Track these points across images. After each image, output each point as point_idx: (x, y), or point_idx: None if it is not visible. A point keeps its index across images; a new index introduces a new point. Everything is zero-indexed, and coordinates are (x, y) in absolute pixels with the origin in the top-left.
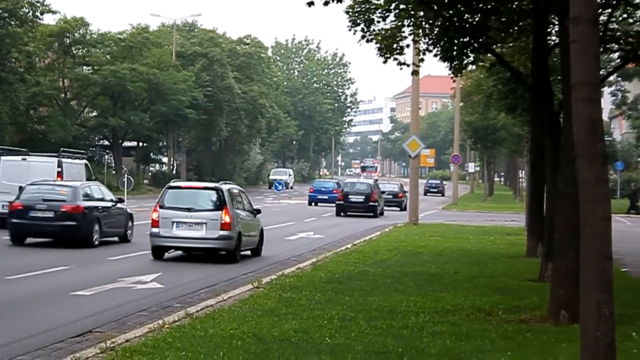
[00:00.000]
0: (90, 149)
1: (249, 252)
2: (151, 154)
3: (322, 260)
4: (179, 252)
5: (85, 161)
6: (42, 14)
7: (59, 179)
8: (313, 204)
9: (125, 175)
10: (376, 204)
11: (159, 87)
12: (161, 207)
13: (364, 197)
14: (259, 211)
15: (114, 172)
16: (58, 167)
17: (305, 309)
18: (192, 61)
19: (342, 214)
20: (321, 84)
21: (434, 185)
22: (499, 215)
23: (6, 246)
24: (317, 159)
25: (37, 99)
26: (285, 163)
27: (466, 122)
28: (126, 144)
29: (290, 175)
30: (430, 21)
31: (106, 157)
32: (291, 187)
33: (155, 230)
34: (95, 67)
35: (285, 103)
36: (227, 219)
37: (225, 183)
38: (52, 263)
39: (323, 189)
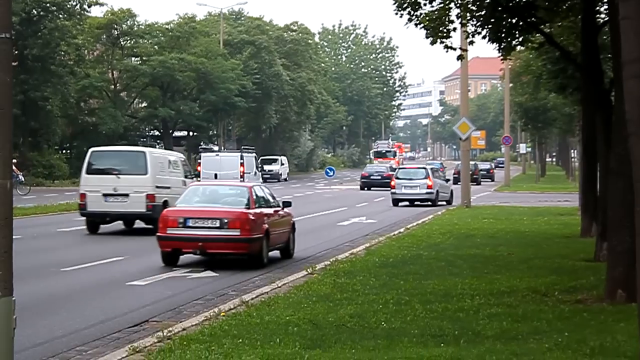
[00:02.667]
0: (141, 139)
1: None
2: (202, 143)
3: (375, 245)
4: None
5: (254, 154)
6: (89, 7)
7: (242, 170)
8: (365, 188)
9: None
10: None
11: (208, 76)
12: None
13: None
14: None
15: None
16: (240, 159)
17: (360, 294)
18: (240, 49)
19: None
20: (369, 69)
21: (483, 169)
22: (552, 196)
23: (61, 236)
24: (367, 144)
25: (87, 91)
26: (335, 149)
27: (516, 102)
28: (176, 133)
29: (283, 164)
30: (478, 2)
31: (157, 147)
32: (285, 179)
33: None
34: (144, 58)
35: (333, 89)
36: None
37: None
38: (107, 254)
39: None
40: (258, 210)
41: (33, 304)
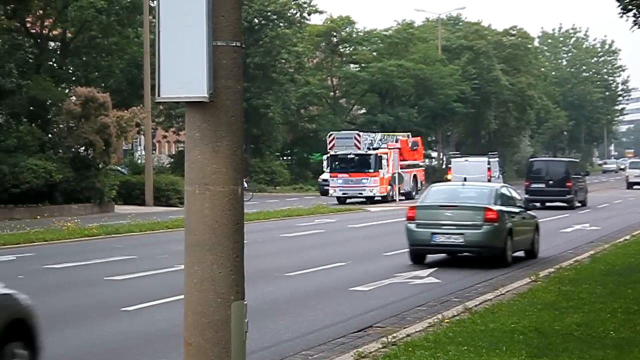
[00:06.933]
0: None
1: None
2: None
3: (600, 252)
4: None
5: (497, 158)
6: (309, 15)
7: (489, 174)
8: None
9: (397, 171)
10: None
11: (426, 82)
12: None
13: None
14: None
15: None
16: (487, 164)
17: (587, 302)
18: (458, 55)
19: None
20: (590, 73)
21: None
22: None
23: (284, 242)
24: (589, 149)
25: (307, 99)
26: (556, 154)
27: None
28: None
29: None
30: None
31: None
32: None
33: None
34: (363, 65)
35: (554, 93)
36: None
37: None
38: (330, 259)
39: None
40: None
41: (259, 307)
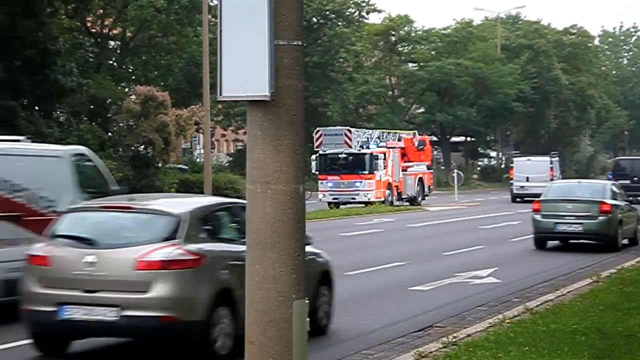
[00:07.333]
0: None
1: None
2: (479, 149)
3: None
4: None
5: (558, 158)
6: (367, 14)
7: (551, 173)
8: None
9: (455, 170)
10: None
11: (485, 81)
12: None
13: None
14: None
15: (442, 167)
16: (550, 164)
17: None
18: (517, 54)
19: None
20: None
21: None
22: None
23: (344, 241)
24: None
25: (365, 97)
26: (616, 154)
27: None
28: (454, 139)
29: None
30: None
31: (435, 152)
32: None
33: None
34: (421, 64)
35: (614, 93)
36: None
37: None
38: (389, 259)
39: None
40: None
41: None
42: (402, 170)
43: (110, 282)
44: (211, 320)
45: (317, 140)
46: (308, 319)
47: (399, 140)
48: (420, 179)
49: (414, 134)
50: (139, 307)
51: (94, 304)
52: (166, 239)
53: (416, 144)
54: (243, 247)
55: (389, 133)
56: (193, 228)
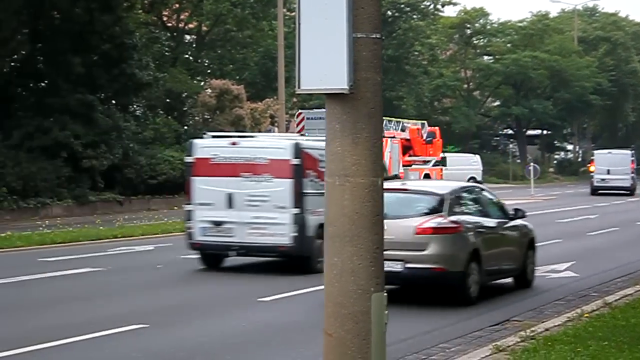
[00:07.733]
0: (494, 138)
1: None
2: (555, 142)
3: None
4: None
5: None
6: (442, 6)
7: (632, 166)
8: None
9: (531, 164)
10: None
11: (562, 74)
12: None
13: None
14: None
15: (518, 160)
16: (631, 157)
17: None
18: (595, 46)
19: None
20: None
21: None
22: None
23: None
24: None
25: (440, 91)
26: None
27: None
28: (530, 132)
29: None
30: None
31: (510, 146)
32: None
33: None
34: (497, 57)
35: None
36: None
37: None
38: None
39: None
40: None
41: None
42: (404, 165)
43: (396, 242)
44: (467, 272)
45: (298, 124)
46: (387, 311)
47: (403, 130)
48: (427, 176)
49: (423, 124)
50: (418, 261)
51: (385, 259)
52: (434, 212)
53: (424, 136)
54: (483, 219)
55: (390, 121)
56: (452, 204)
